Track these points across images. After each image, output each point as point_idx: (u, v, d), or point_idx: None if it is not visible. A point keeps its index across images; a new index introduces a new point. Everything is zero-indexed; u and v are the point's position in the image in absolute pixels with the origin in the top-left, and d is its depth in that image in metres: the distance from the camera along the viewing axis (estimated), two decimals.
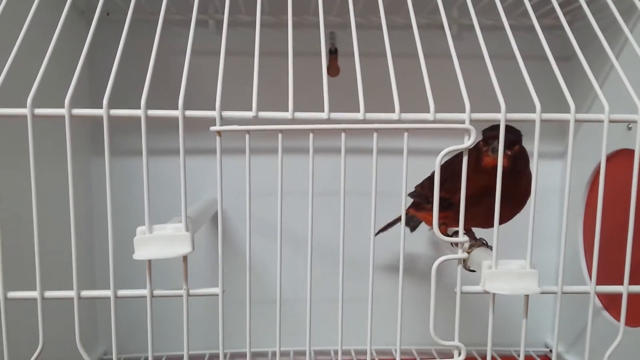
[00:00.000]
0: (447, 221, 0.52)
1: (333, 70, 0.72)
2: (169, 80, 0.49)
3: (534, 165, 0.43)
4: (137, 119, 0.40)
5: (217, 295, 0.42)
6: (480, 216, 0.47)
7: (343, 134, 0.42)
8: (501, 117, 0.42)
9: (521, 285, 0.43)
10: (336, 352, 0.45)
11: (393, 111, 0.42)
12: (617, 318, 0.64)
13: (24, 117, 0.39)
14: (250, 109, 0.41)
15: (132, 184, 0.65)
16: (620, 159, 0.63)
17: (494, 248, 0.43)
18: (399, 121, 0.42)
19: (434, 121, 0.42)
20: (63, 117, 0.40)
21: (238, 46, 0.61)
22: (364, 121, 0.42)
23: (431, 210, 0.44)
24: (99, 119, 0.40)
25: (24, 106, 0.40)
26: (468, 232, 0.59)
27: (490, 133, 0.48)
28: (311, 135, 0.42)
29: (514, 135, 0.48)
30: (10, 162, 0.48)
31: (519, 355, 0.73)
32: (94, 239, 0.68)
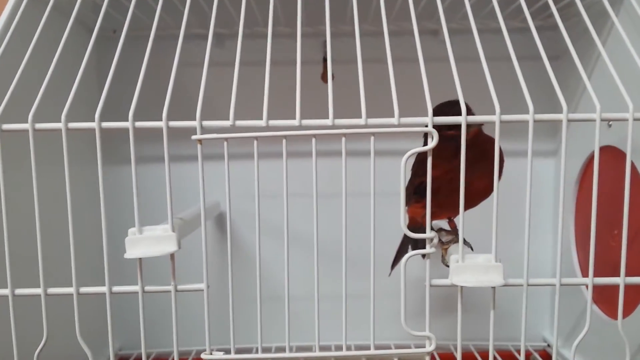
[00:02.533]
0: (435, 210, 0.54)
1: (326, 76, 0.75)
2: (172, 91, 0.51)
3: (527, 165, 0.45)
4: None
5: (202, 290, 0.46)
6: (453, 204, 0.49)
7: (314, 139, 0.45)
8: (496, 119, 0.45)
9: (486, 278, 0.46)
10: (337, 347, 0.48)
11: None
12: (606, 312, 0.65)
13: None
14: (253, 117, 0.45)
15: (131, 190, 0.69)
16: (602, 157, 0.65)
17: (460, 242, 0.46)
18: (366, 126, 0.45)
19: (399, 125, 0.45)
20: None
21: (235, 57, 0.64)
22: (334, 127, 0.45)
23: (414, 204, 0.47)
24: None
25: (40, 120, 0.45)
26: (453, 228, 0.61)
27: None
28: (284, 141, 0.45)
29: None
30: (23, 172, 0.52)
31: (517, 351, 0.76)
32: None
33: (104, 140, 0.45)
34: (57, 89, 0.47)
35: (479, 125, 0.52)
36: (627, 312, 0.58)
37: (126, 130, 0.45)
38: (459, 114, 0.45)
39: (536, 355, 0.77)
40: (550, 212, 0.78)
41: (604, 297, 0.64)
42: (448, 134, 0.46)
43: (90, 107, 0.46)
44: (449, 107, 0.47)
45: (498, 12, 0.51)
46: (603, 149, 0.65)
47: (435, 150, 0.45)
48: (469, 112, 0.46)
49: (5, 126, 0.45)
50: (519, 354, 0.48)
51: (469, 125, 0.45)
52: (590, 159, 0.68)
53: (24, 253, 0.46)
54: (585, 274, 0.70)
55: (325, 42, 0.76)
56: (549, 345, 0.80)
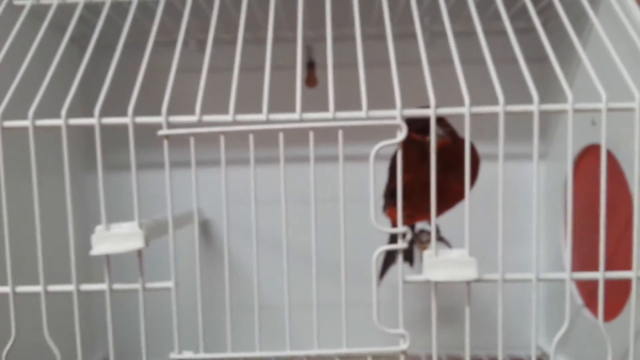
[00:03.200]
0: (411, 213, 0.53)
1: (311, 81, 0.75)
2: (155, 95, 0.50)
3: (499, 160, 0.45)
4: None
5: (170, 289, 0.46)
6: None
7: (281, 134, 0.45)
8: (465, 111, 0.44)
9: (460, 272, 0.45)
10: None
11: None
12: (597, 315, 0.64)
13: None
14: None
15: (121, 195, 0.69)
16: (589, 155, 0.64)
17: (432, 237, 0.45)
18: (334, 119, 0.44)
19: (367, 118, 0.44)
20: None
21: (218, 62, 0.64)
22: (302, 121, 0.45)
23: (391, 207, 0.46)
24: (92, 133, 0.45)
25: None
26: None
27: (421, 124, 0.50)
28: (251, 136, 0.45)
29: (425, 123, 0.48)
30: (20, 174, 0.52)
31: (510, 358, 0.74)
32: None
33: (90, 146, 0.45)
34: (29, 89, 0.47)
35: (449, 136, 0.52)
36: (614, 314, 0.57)
37: (114, 134, 0.46)
38: (427, 121, 0.45)
39: None
40: (543, 218, 0.77)
41: (596, 301, 0.63)
42: (413, 137, 0.47)
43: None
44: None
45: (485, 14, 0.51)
46: (589, 148, 0.65)
47: (405, 154, 0.44)
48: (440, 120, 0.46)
49: (7, 123, 0.45)
50: None
51: (438, 136, 0.45)
52: (579, 159, 0.67)
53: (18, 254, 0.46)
54: None
55: (309, 47, 0.77)
56: (544, 354, 0.78)
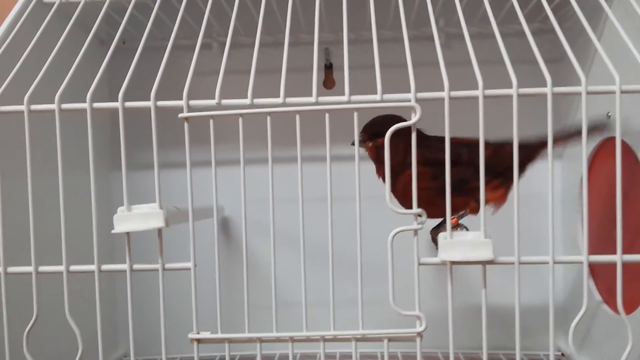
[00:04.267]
0: None
1: (329, 83, 0.77)
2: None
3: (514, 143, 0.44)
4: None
5: (189, 269, 0.46)
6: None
7: (297, 116, 0.46)
8: (445, 95, 0.45)
9: (475, 253, 0.45)
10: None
11: None
12: (617, 311, 0.63)
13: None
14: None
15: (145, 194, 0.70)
16: (605, 150, 0.64)
17: (447, 221, 0.45)
18: (349, 102, 0.45)
19: (382, 101, 0.45)
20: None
21: (240, 65, 0.65)
22: (318, 104, 0.46)
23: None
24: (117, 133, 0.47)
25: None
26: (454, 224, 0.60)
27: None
28: (268, 118, 0.46)
29: (382, 128, 0.48)
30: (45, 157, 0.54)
31: (528, 358, 0.73)
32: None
33: (115, 146, 0.46)
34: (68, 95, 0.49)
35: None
36: (632, 308, 0.56)
37: (140, 135, 0.48)
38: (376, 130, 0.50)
39: None
40: (559, 218, 0.77)
41: (614, 298, 0.62)
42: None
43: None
44: (385, 120, 0.50)
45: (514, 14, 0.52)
46: (606, 142, 0.65)
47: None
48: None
49: (34, 107, 0.47)
50: None
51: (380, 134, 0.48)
52: (595, 154, 0.67)
53: (18, 232, 0.48)
54: (593, 272, 0.68)
55: (327, 49, 0.79)
56: (563, 355, 0.77)
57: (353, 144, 0.50)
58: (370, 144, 0.57)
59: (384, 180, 0.47)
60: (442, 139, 0.44)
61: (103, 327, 0.47)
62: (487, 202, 0.53)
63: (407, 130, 0.44)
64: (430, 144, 0.53)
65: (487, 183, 0.47)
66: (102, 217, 0.47)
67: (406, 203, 0.49)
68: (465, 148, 0.52)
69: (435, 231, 0.59)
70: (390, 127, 0.44)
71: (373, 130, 0.56)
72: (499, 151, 0.52)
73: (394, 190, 0.49)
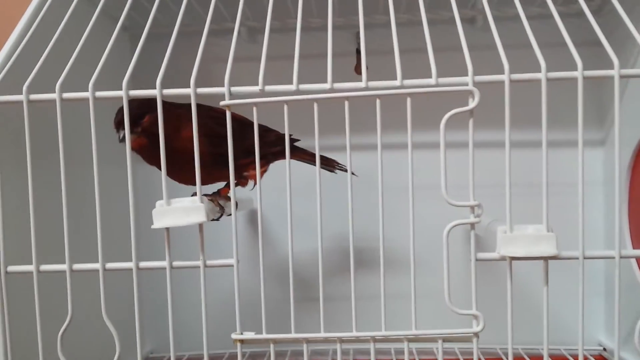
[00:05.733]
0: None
1: (360, 68, 0.74)
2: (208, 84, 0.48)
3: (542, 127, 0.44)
4: None
5: (232, 265, 0.44)
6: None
7: (346, 102, 0.43)
8: (505, 78, 0.42)
9: (537, 248, 0.42)
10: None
11: None
12: None
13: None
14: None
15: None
16: None
17: (508, 213, 0.43)
18: (402, 87, 0.42)
19: (437, 85, 0.42)
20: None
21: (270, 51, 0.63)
22: (368, 89, 0.43)
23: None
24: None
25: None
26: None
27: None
28: (315, 105, 0.43)
29: (140, 110, 0.48)
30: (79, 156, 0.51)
31: (571, 355, 0.70)
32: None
33: None
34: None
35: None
36: None
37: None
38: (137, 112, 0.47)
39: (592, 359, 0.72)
40: (601, 206, 0.74)
41: None
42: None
43: None
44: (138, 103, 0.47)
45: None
46: None
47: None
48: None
49: (66, 95, 0.44)
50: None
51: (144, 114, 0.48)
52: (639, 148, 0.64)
53: (51, 230, 0.45)
54: None
55: (358, 33, 0.75)
56: (604, 349, 0.74)
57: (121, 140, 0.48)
58: (140, 129, 0.50)
59: (155, 165, 0.46)
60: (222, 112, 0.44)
61: (127, 324, 0.45)
62: (250, 177, 0.56)
63: (184, 105, 0.44)
64: (212, 115, 0.50)
65: (251, 162, 0.47)
66: (123, 211, 0.45)
67: (185, 174, 0.46)
68: (236, 124, 0.47)
69: (209, 196, 0.56)
70: (144, 109, 0.47)
71: (137, 116, 0.49)
72: (263, 136, 0.48)
73: (171, 161, 0.45)
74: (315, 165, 0.45)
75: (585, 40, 0.48)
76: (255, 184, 0.55)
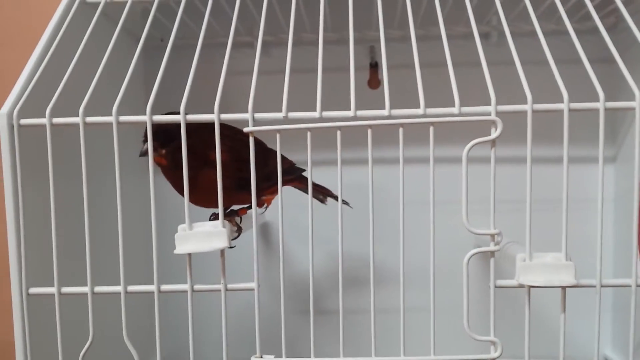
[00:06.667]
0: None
1: (374, 82, 0.74)
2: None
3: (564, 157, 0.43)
4: None
5: (253, 290, 0.44)
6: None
7: (369, 130, 0.43)
8: (528, 108, 0.42)
9: (556, 277, 0.42)
10: None
11: None
12: None
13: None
14: None
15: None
16: None
17: (527, 241, 0.43)
18: (424, 115, 0.43)
19: (460, 114, 0.43)
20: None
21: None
22: (391, 117, 0.43)
23: None
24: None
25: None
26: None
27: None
28: (338, 132, 0.43)
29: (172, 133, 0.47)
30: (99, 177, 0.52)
31: None
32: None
33: None
34: (104, 95, 0.46)
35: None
36: None
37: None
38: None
39: None
40: (611, 222, 0.74)
41: None
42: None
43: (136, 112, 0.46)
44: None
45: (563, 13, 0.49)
46: None
47: None
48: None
49: (89, 119, 0.44)
50: None
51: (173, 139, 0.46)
52: None
53: (72, 252, 0.45)
54: None
55: (371, 47, 0.75)
56: None
57: (142, 154, 0.47)
58: (164, 151, 0.49)
59: (176, 188, 0.47)
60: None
61: (147, 345, 0.45)
62: (265, 201, 0.56)
63: (210, 126, 0.44)
64: (240, 139, 0.49)
65: (269, 187, 0.50)
66: (141, 231, 0.45)
67: (211, 197, 0.45)
68: (259, 147, 0.48)
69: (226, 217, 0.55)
70: (177, 129, 0.44)
71: (166, 137, 0.49)
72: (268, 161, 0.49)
73: (195, 185, 0.46)
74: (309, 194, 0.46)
75: (600, 57, 0.49)
76: (267, 207, 0.56)
